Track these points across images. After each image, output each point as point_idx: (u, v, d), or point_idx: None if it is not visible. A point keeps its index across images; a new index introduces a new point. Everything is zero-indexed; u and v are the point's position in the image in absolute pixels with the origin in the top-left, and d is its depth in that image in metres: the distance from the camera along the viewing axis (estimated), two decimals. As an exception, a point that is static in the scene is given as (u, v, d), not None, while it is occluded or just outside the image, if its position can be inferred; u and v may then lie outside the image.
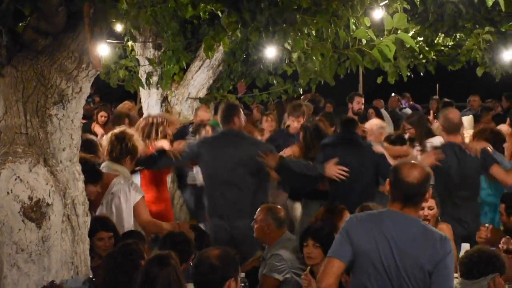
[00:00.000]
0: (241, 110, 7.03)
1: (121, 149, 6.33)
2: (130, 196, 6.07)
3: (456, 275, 5.33)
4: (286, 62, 8.95)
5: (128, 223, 6.04)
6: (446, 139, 6.86)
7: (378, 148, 7.04)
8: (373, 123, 8.59)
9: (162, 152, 6.86)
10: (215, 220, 6.72)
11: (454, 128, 6.77)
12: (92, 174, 5.73)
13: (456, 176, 6.63)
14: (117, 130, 6.52)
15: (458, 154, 6.67)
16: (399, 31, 5.47)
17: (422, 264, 3.93)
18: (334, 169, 6.72)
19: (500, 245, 5.60)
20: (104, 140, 6.63)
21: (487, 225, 6.21)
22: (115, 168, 6.28)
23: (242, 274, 5.21)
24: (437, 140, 8.27)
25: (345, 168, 6.71)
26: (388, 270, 3.96)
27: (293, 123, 8.67)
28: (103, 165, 6.40)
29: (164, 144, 7.27)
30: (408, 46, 5.67)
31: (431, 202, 5.99)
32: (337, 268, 4.04)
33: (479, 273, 4.73)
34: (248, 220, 6.19)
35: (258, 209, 6.12)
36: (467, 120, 10.58)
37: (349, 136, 7.02)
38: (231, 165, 6.65)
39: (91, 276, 4.83)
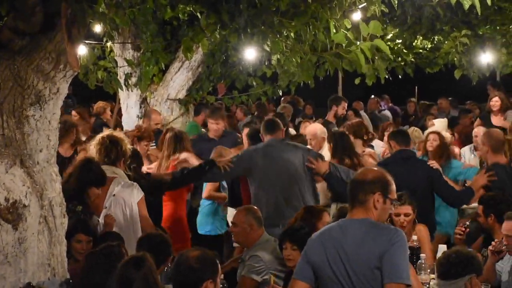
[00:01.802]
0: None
1: (117, 152, 6.33)
2: (133, 195, 6.10)
3: (432, 276, 5.38)
4: (266, 64, 8.96)
5: (137, 223, 6.08)
6: (492, 158, 6.88)
7: (435, 164, 7.01)
8: (317, 127, 8.56)
9: (211, 163, 6.75)
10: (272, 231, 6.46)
11: (500, 147, 6.86)
12: (98, 177, 5.82)
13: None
14: (107, 133, 6.53)
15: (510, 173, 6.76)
16: (375, 39, 5.51)
17: (370, 263, 3.91)
18: None
19: (490, 248, 5.62)
20: (92, 143, 6.59)
21: (467, 223, 6.27)
22: (113, 170, 6.27)
23: (221, 275, 5.23)
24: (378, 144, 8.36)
25: None
26: (342, 278, 3.98)
27: (213, 126, 8.61)
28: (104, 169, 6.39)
29: (189, 156, 7.28)
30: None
31: (407, 209, 6.02)
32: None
33: (456, 274, 4.77)
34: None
35: (236, 213, 6.11)
36: (441, 122, 10.65)
37: (403, 154, 6.95)
38: (288, 172, 6.69)
39: (68, 278, 4.80)
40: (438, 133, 8.25)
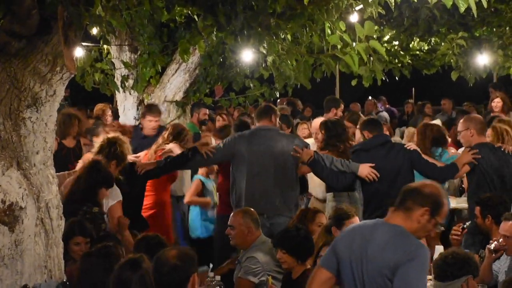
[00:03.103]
0: (277, 111, 7.15)
1: (109, 152, 6.37)
2: (110, 196, 6.19)
3: (429, 277, 5.38)
4: (263, 65, 8.97)
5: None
6: (477, 140, 6.91)
7: (412, 145, 7.04)
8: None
9: (194, 150, 6.79)
10: None
11: (483, 128, 6.95)
12: (108, 177, 5.99)
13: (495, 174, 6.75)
14: (111, 134, 6.59)
15: (496, 153, 6.81)
16: (370, 41, 5.52)
17: (382, 270, 3.88)
18: (368, 170, 6.71)
19: (489, 246, 5.63)
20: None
21: (467, 224, 6.28)
22: None
23: (218, 277, 5.23)
24: None
25: (376, 173, 6.71)
26: (357, 279, 3.97)
27: (150, 123, 8.38)
28: None
29: (174, 147, 7.30)
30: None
31: None
32: (323, 276, 4.08)
33: (452, 276, 4.77)
34: (285, 217, 6.38)
35: (232, 215, 6.10)
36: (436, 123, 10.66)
37: (380, 139, 6.99)
38: (271, 160, 6.71)
39: (64, 280, 4.80)
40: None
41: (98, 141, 6.67)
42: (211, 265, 5.61)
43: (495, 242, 5.59)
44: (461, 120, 7.22)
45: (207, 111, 11.05)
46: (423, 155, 6.98)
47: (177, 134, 7.55)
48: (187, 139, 7.62)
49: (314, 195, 7.93)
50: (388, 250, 3.89)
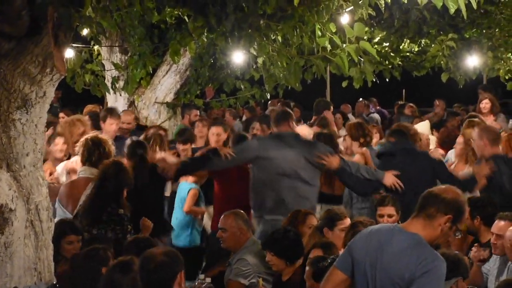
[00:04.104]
0: (293, 115, 7.15)
1: (100, 154, 6.34)
2: None
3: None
4: (254, 67, 8.97)
5: None
6: (490, 151, 6.94)
7: (436, 154, 7.06)
8: (304, 130, 8.55)
9: (215, 152, 6.75)
10: (278, 217, 6.53)
11: (496, 139, 6.97)
12: (130, 178, 6.05)
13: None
14: (91, 135, 6.53)
15: (509, 164, 6.85)
16: (360, 41, 5.53)
17: (395, 279, 3.83)
18: (393, 180, 6.74)
19: (471, 255, 5.65)
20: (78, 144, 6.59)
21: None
22: (91, 172, 6.28)
23: (208, 279, 5.23)
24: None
25: (400, 183, 6.75)
26: (371, 281, 3.93)
27: (111, 127, 8.26)
28: (81, 169, 6.37)
29: (166, 156, 7.29)
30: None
31: (391, 210, 6.06)
32: (337, 277, 4.05)
33: (442, 277, 4.77)
34: None
35: (223, 218, 6.09)
36: (424, 125, 10.71)
37: (405, 145, 7.04)
38: (296, 165, 6.66)
39: (54, 282, 4.79)
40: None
41: (78, 145, 6.54)
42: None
43: (473, 250, 5.62)
44: (476, 130, 7.27)
45: (198, 113, 11.05)
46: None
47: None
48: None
49: None
50: (403, 260, 3.82)
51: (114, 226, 5.73)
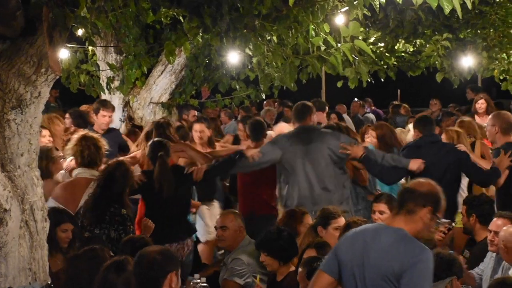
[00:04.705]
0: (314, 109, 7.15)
1: (94, 153, 6.36)
2: None
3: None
4: (249, 67, 8.97)
5: None
6: (501, 138, 6.96)
7: (462, 147, 7.12)
8: (283, 127, 8.57)
9: (241, 154, 6.75)
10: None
11: (510, 127, 6.97)
12: (132, 178, 6.10)
13: None
14: (86, 134, 6.49)
15: None
16: (355, 40, 5.54)
17: (386, 273, 3.89)
18: (418, 164, 6.78)
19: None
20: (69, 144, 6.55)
21: (453, 224, 6.32)
22: (93, 173, 6.28)
23: (203, 279, 5.23)
24: None
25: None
26: (359, 283, 3.98)
27: (104, 118, 8.29)
28: (78, 170, 6.35)
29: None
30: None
31: (383, 207, 6.08)
32: (325, 281, 4.10)
33: (436, 277, 4.77)
34: (347, 214, 6.27)
35: (223, 217, 6.10)
36: None
37: (431, 138, 7.08)
38: (322, 157, 6.70)
39: (49, 282, 4.78)
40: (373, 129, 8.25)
41: (71, 145, 6.50)
42: None
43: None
44: (490, 116, 7.31)
45: (196, 113, 11.05)
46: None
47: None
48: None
49: None
50: (391, 254, 3.90)
51: (117, 226, 5.75)
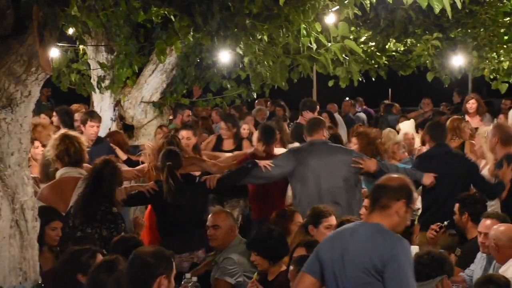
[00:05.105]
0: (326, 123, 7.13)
1: (84, 152, 6.38)
2: None
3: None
4: (240, 66, 8.97)
5: None
6: (501, 149, 7.02)
7: (473, 157, 7.19)
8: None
9: (254, 164, 6.68)
10: None
11: (510, 139, 7.02)
12: (121, 177, 6.08)
13: None
14: (67, 133, 6.45)
15: None
16: (346, 40, 5.55)
17: (365, 265, 3.97)
18: (431, 180, 6.83)
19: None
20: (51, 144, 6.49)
21: (445, 223, 6.34)
22: (79, 171, 6.26)
23: (195, 278, 5.23)
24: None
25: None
26: (340, 280, 4.03)
27: (92, 129, 8.20)
28: (64, 170, 6.32)
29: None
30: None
31: (366, 202, 6.10)
32: (307, 282, 4.16)
33: (427, 276, 4.80)
34: None
35: (215, 216, 6.08)
36: (408, 124, 10.77)
37: (443, 148, 7.11)
38: (335, 172, 6.68)
39: (40, 282, 4.77)
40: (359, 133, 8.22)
41: (52, 145, 6.43)
42: None
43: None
44: (492, 126, 7.42)
45: (190, 113, 11.04)
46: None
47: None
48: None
49: None
50: (369, 246, 3.98)
51: (109, 225, 5.74)
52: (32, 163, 7.04)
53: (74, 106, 10.25)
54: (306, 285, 4.15)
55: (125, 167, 7.27)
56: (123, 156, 8.08)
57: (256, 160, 6.76)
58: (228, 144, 9.35)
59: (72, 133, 6.54)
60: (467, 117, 10.14)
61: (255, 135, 8.01)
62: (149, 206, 6.98)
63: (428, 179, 6.83)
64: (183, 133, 8.10)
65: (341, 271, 4.03)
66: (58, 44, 7.54)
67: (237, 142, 9.44)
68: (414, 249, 5.84)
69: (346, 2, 5.67)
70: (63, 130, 6.83)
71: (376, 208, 4.08)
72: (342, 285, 4.02)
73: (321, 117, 7.38)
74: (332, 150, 6.85)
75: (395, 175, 4.27)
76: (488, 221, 5.62)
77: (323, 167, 6.69)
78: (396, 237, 4.03)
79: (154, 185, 6.46)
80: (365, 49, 10.08)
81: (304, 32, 5.77)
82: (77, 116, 9.05)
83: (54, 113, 9.12)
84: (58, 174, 6.38)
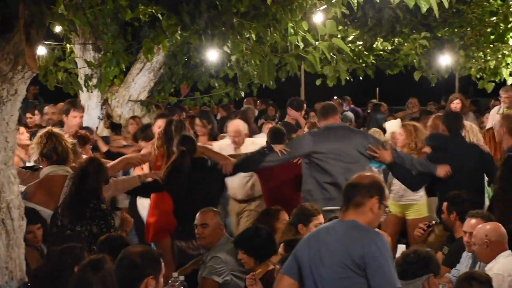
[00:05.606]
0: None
1: (66, 151, 6.29)
2: None
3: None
4: (228, 65, 8.97)
5: None
6: (508, 139, 7.07)
7: (486, 147, 7.23)
8: (239, 124, 8.48)
9: (270, 149, 6.77)
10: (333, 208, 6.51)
11: None
12: (107, 174, 6.01)
13: None
14: (51, 131, 6.40)
15: None
16: (333, 38, 5.56)
17: (343, 260, 4.00)
18: (446, 171, 6.84)
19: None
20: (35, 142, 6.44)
21: (433, 222, 6.36)
22: (66, 169, 6.23)
23: (182, 278, 5.22)
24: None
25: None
26: (316, 275, 4.07)
27: (75, 119, 7.96)
28: (50, 168, 6.28)
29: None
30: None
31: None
32: (285, 283, 4.20)
33: (413, 275, 4.80)
34: None
35: (203, 214, 6.06)
36: (395, 123, 10.79)
37: (458, 139, 7.15)
38: (351, 156, 6.70)
39: (26, 281, 4.75)
40: None
41: (35, 143, 6.35)
42: None
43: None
44: (500, 117, 7.52)
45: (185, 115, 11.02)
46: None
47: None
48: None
49: (232, 196, 8.01)
50: (346, 241, 4.03)
51: (99, 221, 5.71)
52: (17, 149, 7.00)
53: (61, 105, 10.20)
54: (285, 286, 4.19)
55: (130, 153, 7.34)
56: (103, 147, 8.04)
57: (272, 145, 6.83)
58: (203, 141, 9.34)
59: (56, 130, 6.48)
60: None
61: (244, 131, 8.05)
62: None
63: (442, 170, 6.86)
64: (159, 122, 7.98)
65: (319, 269, 4.06)
66: (45, 42, 7.52)
67: (211, 139, 9.41)
68: (401, 247, 5.86)
69: (333, 1, 5.69)
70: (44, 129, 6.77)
71: (351, 207, 4.13)
72: (321, 283, 4.05)
73: (333, 103, 7.38)
74: (348, 133, 6.89)
75: (366, 173, 4.34)
76: (473, 221, 5.64)
77: (339, 150, 6.72)
78: (373, 231, 4.10)
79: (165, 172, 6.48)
80: (353, 48, 10.12)
81: (292, 31, 5.78)
82: (59, 105, 8.93)
83: (36, 112, 9.05)
84: (43, 173, 6.33)
